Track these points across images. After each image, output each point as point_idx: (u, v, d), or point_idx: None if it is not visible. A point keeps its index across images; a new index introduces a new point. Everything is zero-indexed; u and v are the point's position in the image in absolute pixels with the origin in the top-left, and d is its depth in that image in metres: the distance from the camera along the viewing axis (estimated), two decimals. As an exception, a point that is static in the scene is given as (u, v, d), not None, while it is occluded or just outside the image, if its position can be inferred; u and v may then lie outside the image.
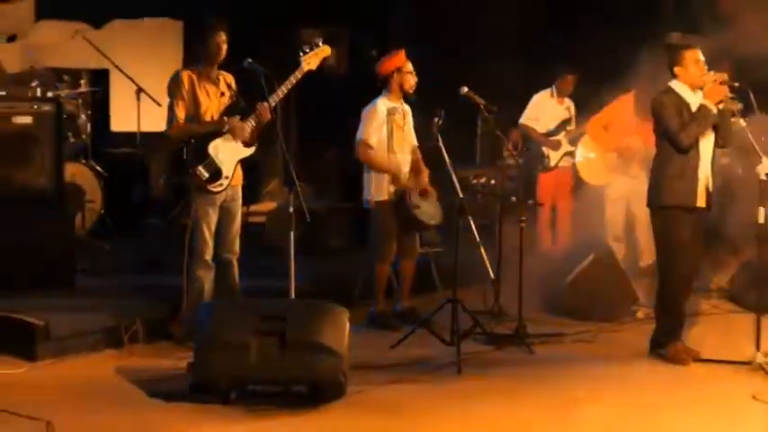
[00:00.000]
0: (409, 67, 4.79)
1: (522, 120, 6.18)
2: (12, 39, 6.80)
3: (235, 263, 4.37)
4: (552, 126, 6.13)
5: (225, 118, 4.25)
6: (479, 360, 4.27)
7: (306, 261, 5.10)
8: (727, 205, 5.15)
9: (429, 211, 4.78)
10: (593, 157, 5.76)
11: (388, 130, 4.76)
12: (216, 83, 4.29)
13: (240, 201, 4.39)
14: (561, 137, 6.12)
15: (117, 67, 6.54)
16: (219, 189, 4.23)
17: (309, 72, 4.29)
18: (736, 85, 4.20)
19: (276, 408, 3.54)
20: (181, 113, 4.17)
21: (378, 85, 4.83)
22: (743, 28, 5.33)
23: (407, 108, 4.89)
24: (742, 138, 4.31)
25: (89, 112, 6.44)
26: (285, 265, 4.01)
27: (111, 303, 4.45)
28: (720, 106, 4.18)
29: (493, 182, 6.03)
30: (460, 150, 5.82)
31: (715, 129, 4.22)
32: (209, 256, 4.26)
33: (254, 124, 4.25)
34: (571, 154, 6.06)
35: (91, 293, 4.66)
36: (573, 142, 6.08)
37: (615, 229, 5.72)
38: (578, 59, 6.23)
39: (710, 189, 4.25)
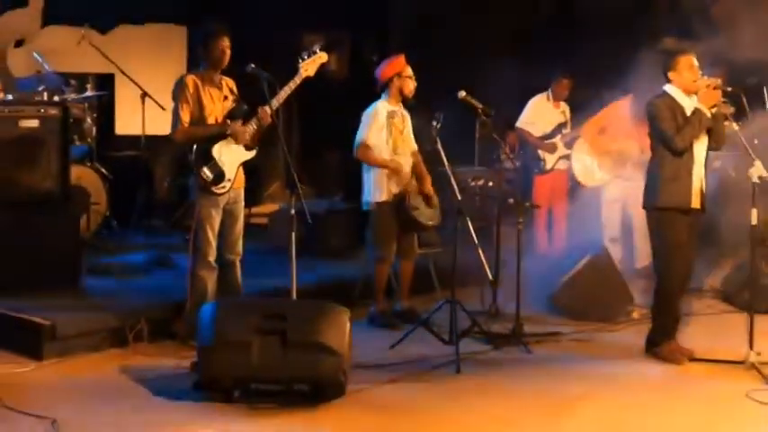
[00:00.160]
0: (409, 71, 4.85)
1: (519, 123, 6.24)
2: (19, 44, 6.88)
3: (238, 263, 4.42)
4: (548, 129, 6.19)
5: (228, 121, 4.31)
6: (478, 359, 4.31)
7: (307, 262, 5.18)
8: (721, 207, 5.21)
9: (428, 212, 4.84)
10: (588, 160, 5.82)
11: (388, 133, 4.81)
12: (219, 87, 4.34)
13: (242, 203, 4.44)
14: (557, 140, 6.19)
15: (122, 71, 6.60)
16: (223, 191, 4.29)
17: (308, 78, 4.36)
18: (730, 89, 4.26)
19: (278, 406, 3.58)
20: (185, 117, 4.23)
21: (378, 90, 4.89)
22: (736, 33, 5.39)
23: (406, 112, 4.95)
24: (734, 141, 4.37)
25: (95, 115, 6.50)
26: (287, 266, 4.07)
27: (116, 303, 4.49)
28: (714, 110, 4.24)
29: (490, 184, 6.09)
30: (459, 153, 5.88)
31: (709, 132, 4.28)
32: (212, 257, 4.32)
33: (255, 128, 4.32)
34: (567, 157, 6.15)
35: (96, 294, 4.69)
36: (569, 145, 6.16)
37: (611, 231, 5.77)
38: (574, 64, 6.29)
39: (704, 191, 4.31)
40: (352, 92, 6.89)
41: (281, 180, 7.73)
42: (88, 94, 6.48)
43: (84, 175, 6.01)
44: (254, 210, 6.95)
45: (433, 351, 4.33)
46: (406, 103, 4.91)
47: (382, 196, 4.81)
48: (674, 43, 6.07)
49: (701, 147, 4.28)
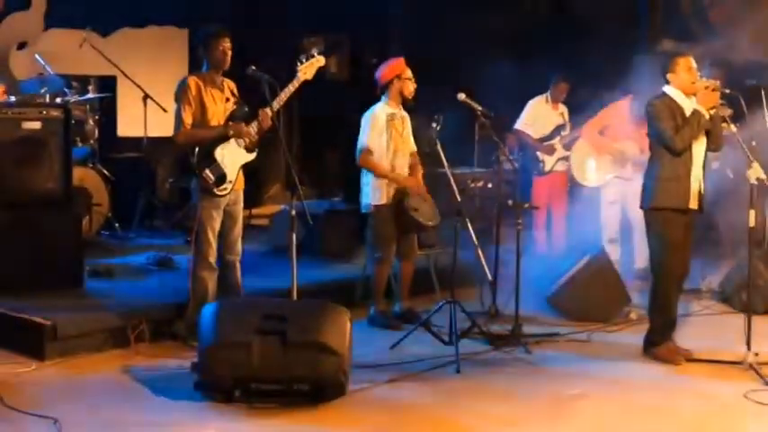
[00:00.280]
0: (409, 73, 4.87)
1: (518, 125, 6.28)
2: (22, 46, 6.92)
3: (237, 264, 4.45)
4: (547, 131, 6.22)
5: (230, 123, 4.34)
6: (477, 360, 4.33)
7: (307, 262, 5.20)
8: (719, 208, 5.23)
9: (427, 213, 4.86)
10: (588, 160, 5.85)
11: (388, 136, 4.83)
12: (221, 88, 4.37)
13: (242, 204, 4.47)
14: (556, 142, 6.22)
15: (124, 73, 6.63)
16: (224, 193, 4.32)
17: (306, 81, 4.39)
18: (728, 91, 4.28)
19: (278, 406, 3.60)
20: (188, 119, 4.25)
21: (377, 92, 4.91)
22: (733, 36, 5.41)
23: (406, 114, 4.98)
24: (732, 142, 4.39)
25: (97, 117, 6.54)
26: (287, 267, 4.09)
27: (118, 304, 4.50)
28: (712, 112, 4.26)
29: (490, 186, 6.12)
30: (458, 155, 5.92)
31: (707, 134, 4.31)
32: (213, 258, 4.34)
33: (255, 130, 4.35)
34: (565, 159, 6.18)
35: (97, 294, 4.71)
36: (567, 147, 6.19)
37: (611, 232, 5.80)
38: (573, 66, 6.32)
39: (702, 192, 4.34)
40: (351, 94, 6.93)
41: (281, 181, 7.76)
42: (90, 96, 6.51)
43: (86, 177, 6.04)
44: (255, 211, 6.98)
45: (433, 351, 4.35)
46: (406, 104, 4.94)
47: (381, 199, 4.83)
48: (673, 45, 6.10)
49: (699, 148, 4.30)
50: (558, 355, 4.48)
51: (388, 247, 4.86)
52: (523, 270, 4.72)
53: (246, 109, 4.38)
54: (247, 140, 4.35)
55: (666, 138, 4.22)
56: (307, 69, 4.38)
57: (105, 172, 6.33)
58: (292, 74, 4.40)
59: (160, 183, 7.14)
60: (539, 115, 6.24)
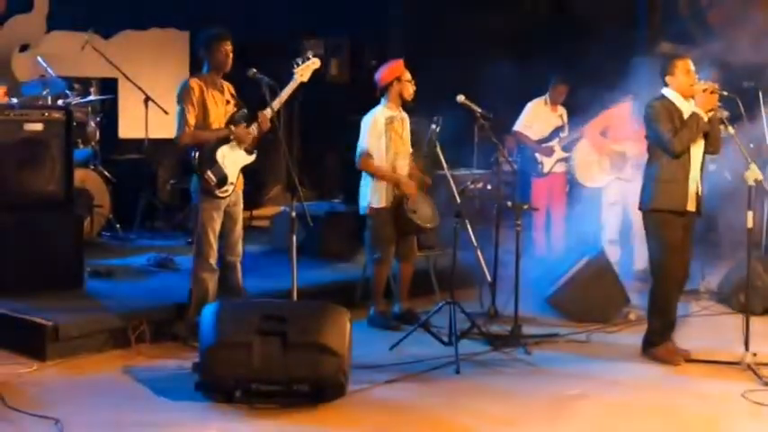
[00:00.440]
0: (408, 76, 4.89)
1: (517, 127, 6.30)
2: (24, 49, 6.94)
3: (238, 265, 4.46)
4: (546, 133, 6.24)
5: (231, 126, 4.36)
6: (477, 360, 4.34)
7: (307, 263, 5.22)
8: (717, 210, 5.24)
9: (426, 214, 4.88)
10: (589, 160, 5.87)
11: (388, 139, 4.85)
12: (221, 91, 4.39)
13: (241, 205, 4.49)
14: (554, 144, 6.24)
15: (125, 76, 6.66)
16: (226, 195, 4.34)
17: (302, 84, 4.41)
18: (726, 93, 4.30)
19: (278, 406, 3.62)
20: (191, 120, 4.26)
21: (377, 94, 4.94)
22: (732, 38, 5.43)
23: (405, 115, 5.00)
24: (730, 144, 4.41)
25: (98, 119, 6.56)
26: (287, 268, 4.11)
27: (119, 305, 4.52)
28: (710, 114, 4.28)
29: (489, 187, 6.14)
30: (458, 156, 5.94)
31: (705, 136, 4.32)
32: (213, 259, 4.36)
33: (255, 132, 4.37)
34: (564, 160, 6.21)
35: (99, 295, 4.72)
36: (566, 149, 6.22)
37: (611, 233, 5.82)
38: (573, 67, 6.34)
39: (700, 194, 4.35)
40: (351, 96, 6.95)
41: (282, 183, 7.78)
42: (92, 98, 6.54)
43: (87, 178, 6.07)
44: (256, 212, 7.00)
45: (433, 352, 4.36)
46: (406, 105, 4.96)
47: (381, 202, 4.84)
48: (671, 47, 6.12)
49: (697, 150, 4.32)
50: (557, 355, 4.49)
51: (388, 249, 4.87)
52: (523, 271, 4.73)
53: (246, 111, 4.41)
54: (248, 142, 4.37)
55: (665, 140, 4.24)
56: (303, 72, 4.41)
57: (106, 173, 6.36)
58: (291, 76, 4.42)
59: (161, 184, 7.16)
60: (537, 117, 6.26)
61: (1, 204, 4.70)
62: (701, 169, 4.36)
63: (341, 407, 3.66)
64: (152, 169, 7.05)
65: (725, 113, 4.39)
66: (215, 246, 4.36)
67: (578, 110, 6.16)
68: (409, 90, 4.88)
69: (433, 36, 7.54)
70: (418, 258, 5.15)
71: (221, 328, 3.69)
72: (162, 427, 3.47)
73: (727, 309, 5.39)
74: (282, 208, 6.30)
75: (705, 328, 5.05)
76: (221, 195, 4.32)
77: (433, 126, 4.69)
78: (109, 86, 7.02)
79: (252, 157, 4.43)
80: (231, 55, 4.31)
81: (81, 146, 6.27)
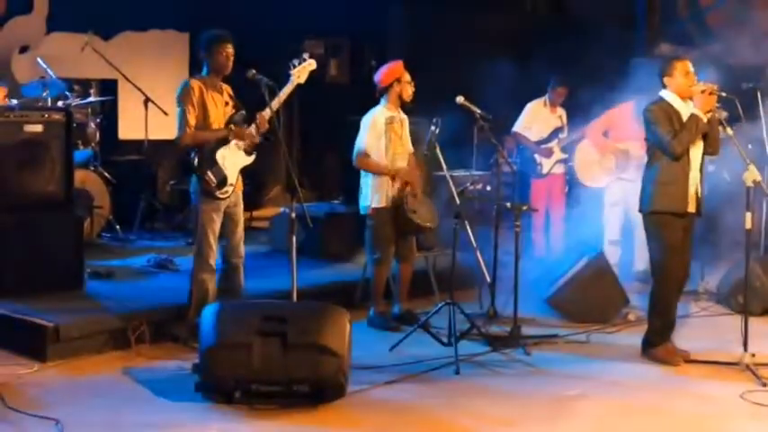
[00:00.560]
0: (408, 77, 4.90)
1: (516, 128, 6.31)
2: (24, 50, 6.95)
3: (241, 267, 4.46)
4: (545, 134, 6.26)
5: (231, 127, 4.37)
6: (476, 361, 4.35)
7: (307, 264, 5.23)
8: (716, 210, 5.25)
9: (425, 215, 4.89)
10: (591, 160, 5.88)
11: (387, 139, 4.86)
12: (221, 92, 4.39)
13: (242, 206, 4.49)
14: (553, 145, 6.26)
15: (125, 77, 6.67)
16: (225, 195, 4.34)
17: (299, 85, 4.42)
18: (724, 94, 4.31)
19: (278, 407, 3.63)
20: (192, 121, 4.27)
21: (377, 95, 4.95)
22: (731, 39, 5.44)
23: (405, 116, 5.01)
24: (728, 145, 4.42)
25: (98, 120, 6.58)
26: (287, 268, 4.11)
27: (119, 306, 4.52)
28: (709, 115, 4.29)
29: (488, 188, 6.16)
30: (457, 157, 5.94)
31: (704, 137, 4.33)
32: (213, 260, 4.36)
33: (254, 133, 4.38)
34: (563, 161, 6.22)
35: (99, 296, 4.73)
36: (565, 150, 6.23)
37: (612, 233, 5.82)
38: (573, 68, 6.36)
39: (700, 195, 4.36)
40: (351, 96, 6.96)
41: (281, 184, 7.79)
42: (92, 99, 6.55)
43: (87, 179, 6.08)
44: (256, 213, 7.01)
45: (432, 353, 4.37)
46: (405, 106, 4.97)
47: (381, 202, 4.85)
48: (671, 48, 6.13)
49: (697, 152, 4.33)
50: (556, 356, 4.50)
51: (387, 249, 4.88)
52: (522, 272, 4.75)
53: (244, 113, 4.41)
54: (247, 143, 4.38)
55: (665, 142, 4.25)
56: (300, 73, 4.41)
57: (106, 174, 6.37)
58: (289, 78, 4.43)
59: (161, 185, 7.17)
60: (537, 118, 6.28)
61: (1, 205, 4.71)
62: (701, 170, 4.37)
63: (341, 407, 3.67)
64: (152, 170, 7.06)
65: (724, 114, 4.40)
66: (215, 247, 4.37)
67: (577, 111, 6.18)
68: (409, 91, 4.90)
69: (432, 36, 7.55)
70: (418, 259, 5.16)
71: (221, 329, 3.69)
72: (162, 427, 3.48)
73: (726, 309, 5.39)
74: (282, 209, 6.31)
75: (704, 328, 5.06)
76: (221, 196, 4.33)
77: (433, 127, 4.70)
78: (109, 88, 7.04)
79: (251, 159, 4.43)
80: (232, 57, 4.32)
81: (81, 147, 6.28)
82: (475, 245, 4.52)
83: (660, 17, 7.05)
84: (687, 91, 4.31)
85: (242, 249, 4.47)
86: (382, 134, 4.85)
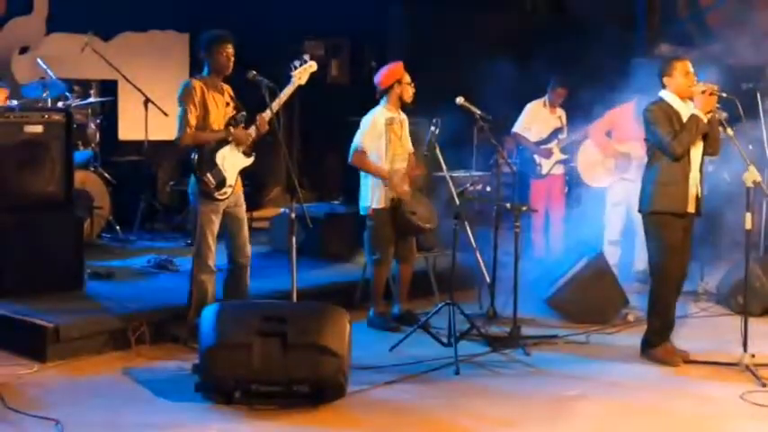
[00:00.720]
0: (408, 78, 4.90)
1: (516, 128, 6.32)
2: (24, 51, 6.96)
3: (248, 267, 4.45)
4: (544, 135, 6.26)
5: (231, 128, 4.37)
6: (476, 361, 4.35)
7: (307, 265, 5.24)
8: (716, 211, 5.25)
9: (425, 215, 4.90)
10: (593, 161, 5.88)
11: (387, 140, 4.86)
12: (221, 93, 4.39)
13: (244, 206, 4.49)
14: (553, 145, 6.26)
15: (125, 77, 6.67)
16: (224, 197, 4.34)
17: (300, 86, 4.42)
18: (724, 95, 4.31)
19: (278, 407, 3.63)
20: (192, 121, 4.27)
21: (377, 96, 4.95)
22: (731, 39, 5.44)
23: (405, 117, 5.01)
24: (728, 146, 4.42)
25: (98, 121, 6.58)
26: (287, 269, 4.12)
27: (119, 306, 4.53)
28: (709, 116, 4.29)
29: (488, 189, 6.17)
30: (457, 158, 5.95)
31: (704, 138, 4.33)
32: (212, 261, 4.36)
33: (254, 134, 4.38)
34: (563, 162, 6.23)
35: (99, 297, 4.73)
36: (565, 150, 6.24)
37: (612, 233, 5.82)
38: (571, 68, 6.36)
39: (700, 196, 4.36)
40: (351, 97, 6.96)
41: (281, 184, 7.79)
42: (92, 99, 6.56)
43: (87, 180, 6.08)
44: (256, 213, 7.01)
45: (432, 353, 4.37)
46: (405, 108, 4.97)
47: (380, 203, 4.85)
48: (670, 49, 6.13)
49: (697, 152, 4.33)
50: (556, 356, 4.50)
51: (387, 250, 4.88)
52: (522, 272, 4.75)
53: (245, 114, 4.42)
54: (246, 145, 4.37)
55: (665, 143, 4.25)
56: (300, 74, 4.42)
57: (106, 175, 6.37)
58: (290, 78, 4.43)
59: (161, 186, 7.18)
60: (536, 119, 6.28)
61: (1, 206, 4.71)
62: (701, 171, 4.37)
63: (340, 408, 3.67)
64: (152, 171, 7.07)
65: (724, 115, 4.40)
66: (213, 248, 4.37)
67: (577, 111, 6.18)
68: (409, 92, 4.90)
69: (432, 36, 7.55)
70: (417, 260, 5.17)
71: (221, 330, 3.70)
72: (162, 427, 3.48)
73: (725, 310, 5.40)
74: (282, 209, 6.32)
75: (704, 329, 5.06)
76: (220, 198, 4.33)
77: (433, 128, 4.70)
78: (109, 88, 7.04)
79: (250, 160, 4.43)
80: (232, 58, 4.32)
81: (81, 148, 6.28)
82: (475, 245, 4.52)
83: (660, 17, 7.05)
84: (687, 91, 4.31)
85: (248, 249, 4.47)
86: (382, 135, 4.85)
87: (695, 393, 4.01)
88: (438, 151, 4.70)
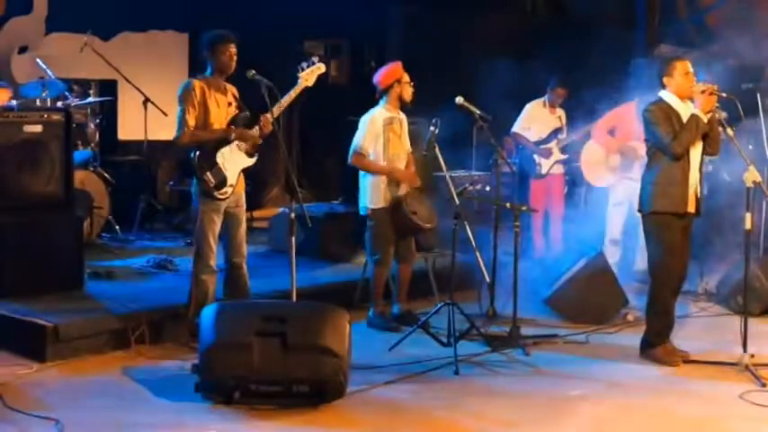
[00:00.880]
0: (407, 78, 4.91)
1: (515, 128, 6.32)
2: (23, 50, 6.96)
3: (244, 266, 4.46)
4: (544, 135, 6.26)
5: (232, 127, 4.37)
6: (476, 361, 4.35)
7: (307, 264, 5.24)
8: (715, 211, 5.25)
9: (424, 215, 4.90)
10: (597, 160, 5.89)
11: (386, 140, 4.86)
12: (224, 93, 4.39)
13: (244, 206, 4.50)
14: (552, 145, 6.26)
15: (125, 77, 6.67)
16: (225, 196, 4.34)
17: (307, 88, 4.42)
18: (724, 95, 4.31)
19: (278, 407, 3.63)
20: (191, 121, 4.27)
21: (376, 96, 4.95)
22: (730, 40, 5.44)
23: (404, 117, 5.01)
24: (729, 146, 4.43)
25: (98, 121, 6.58)
26: (287, 269, 4.12)
27: (118, 306, 4.52)
28: (709, 116, 4.29)
29: (488, 188, 6.18)
30: (456, 158, 5.95)
31: (704, 138, 4.34)
32: (213, 261, 4.36)
33: (257, 134, 4.38)
34: (562, 162, 6.23)
35: (98, 297, 4.73)
36: (564, 150, 6.24)
37: (614, 233, 5.82)
38: (571, 68, 6.36)
39: (700, 196, 4.37)
40: (351, 97, 6.96)
41: (281, 184, 7.80)
42: (91, 99, 6.56)
43: (87, 180, 6.08)
44: (255, 213, 7.02)
45: (432, 353, 4.37)
46: (404, 108, 4.97)
47: (380, 202, 4.86)
48: (670, 49, 6.13)
49: (696, 152, 4.33)
50: (556, 356, 4.50)
51: (387, 249, 4.89)
52: (521, 272, 4.75)
53: (248, 114, 4.41)
54: (249, 145, 4.37)
55: (665, 143, 4.25)
56: (308, 76, 4.42)
57: (106, 175, 6.37)
58: (292, 78, 4.43)
59: (160, 186, 7.18)
60: (536, 119, 6.28)
61: (1, 205, 4.71)
62: (700, 171, 4.37)
63: (340, 408, 3.67)
64: (151, 171, 7.07)
65: (723, 115, 4.40)
66: (215, 248, 4.37)
67: (577, 111, 6.18)
68: (408, 92, 4.90)
69: (432, 36, 7.55)
70: (417, 259, 5.16)
71: (221, 329, 3.70)
72: (161, 428, 3.48)
73: (725, 310, 5.40)
74: (282, 209, 6.32)
75: (703, 329, 5.06)
76: (220, 197, 4.33)
77: (432, 127, 4.71)
78: (108, 88, 7.04)
79: (252, 160, 4.43)
80: (235, 58, 4.32)
81: (80, 147, 6.28)
82: (474, 245, 4.52)
83: (660, 17, 7.06)
84: (686, 91, 4.32)
85: (244, 249, 4.47)
86: (380, 134, 4.85)
87: (695, 393, 4.01)
88: (438, 151, 4.70)
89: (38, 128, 4.92)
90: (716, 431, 3.69)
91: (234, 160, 4.37)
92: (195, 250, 4.37)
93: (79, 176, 5.71)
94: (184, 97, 4.29)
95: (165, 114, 6.26)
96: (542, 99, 6.29)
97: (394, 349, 4.47)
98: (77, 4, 6.79)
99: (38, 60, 6.37)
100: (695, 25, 5.93)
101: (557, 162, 6.25)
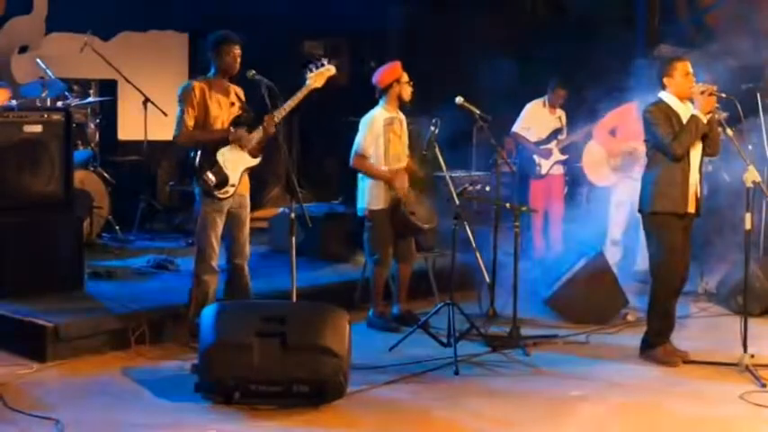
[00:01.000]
0: (406, 77, 4.91)
1: (515, 128, 6.33)
2: (23, 50, 6.96)
3: (246, 268, 4.45)
4: (544, 135, 6.27)
5: (231, 128, 4.37)
6: (476, 361, 4.35)
7: (307, 265, 5.23)
8: (715, 211, 5.25)
9: (424, 215, 4.90)
10: (599, 159, 5.89)
11: (386, 140, 4.86)
12: (227, 93, 4.38)
13: (248, 208, 4.48)
14: (552, 145, 6.26)
15: (125, 77, 6.67)
16: (226, 196, 4.34)
17: (314, 90, 4.40)
18: (724, 95, 4.31)
19: (278, 407, 3.63)
20: (190, 121, 4.27)
21: (376, 96, 4.95)
22: (730, 40, 5.44)
23: (403, 117, 5.01)
24: (729, 146, 4.43)
25: (98, 121, 6.59)
26: (287, 269, 4.12)
27: (118, 306, 4.53)
28: (708, 116, 4.29)
29: (488, 189, 6.18)
30: (456, 158, 5.95)
31: (704, 138, 4.34)
32: (215, 261, 4.36)
33: (260, 135, 4.37)
34: (562, 162, 6.23)
35: (98, 297, 4.73)
36: (564, 151, 6.24)
37: (615, 233, 5.83)
38: (571, 69, 6.36)
39: (700, 196, 4.37)
40: (350, 97, 6.96)
41: (281, 184, 7.79)
42: (91, 99, 6.57)
43: (87, 180, 6.08)
44: (256, 213, 6.99)
45: (432, 353, 4.38)
46: (404, 108, 4.97)
47: (379, 204, 4.86)
48: (670, 49, 6.13)
49: (696, 153, 4.34)
50: (556, 356, 4.50)
51: (386, 249, 4.89)
52: (521, 272, 4.75)
53: (252, 115, 4.40)
54: (253, 146, 4.36)
55: (665, 144, 4.25)
56: (316, 78, 4.39)
57: (106, 175, 6.37)
58: (293, 78, 4.42)
59: (160, 186, 7.18)
60: (536, 119, 6.28)
61: (1, 206, 4.71)
62: (700, 171, 4.37)
63: (340, 408, 3.68)
64: (151, 171, 7.07)
65: (723, 115, 4.41)
66: (216, 248, 4.37)
67: (577, 111, 6.19)
68: (408, 92, 4.90)
69: (432, 36, 7.55)
70: (417, 260, 5.17)
71: (221, 329, 3.70)
72: (161, 428, 3.48)
73: (725, 310, 5.40)
74: (282, 209, 6.32)
75: (703, 329, 5.07)
76: (221, 197, 4.33)
77: (432, 127, 4.71)
78: (108, 88, 7.04)
79: (256, 161, 4.41)
80: (239, 59, 4.31)
81: (80, 147, 6.28)
82: (474, 245, 4.53)
83: (660, 18, 7.06)
84: (686, 92, 4.32)
85: (247, 251, 4.46)
86: (380, 135, 4.85)
87: (695, 393, 4.01)
88: (438, 151, 4.70)
89: (38, 128, 4.92)
90: (716, 431, 3.69)
91: (235, 160, 4.36)
92: (197, 250, 4.37)
93: (79, 176, 5.71)
94: (184, 98, 4.29)
95: (165, 114, 6.26)
96: (542, 99, 6.29)
97: (394, 349, 4.48)
98: (77, 4, 6.79)
99: (38, 60, 6.37)
100: (695, 25, 5.93)
101: (556, 162, 6.25)
